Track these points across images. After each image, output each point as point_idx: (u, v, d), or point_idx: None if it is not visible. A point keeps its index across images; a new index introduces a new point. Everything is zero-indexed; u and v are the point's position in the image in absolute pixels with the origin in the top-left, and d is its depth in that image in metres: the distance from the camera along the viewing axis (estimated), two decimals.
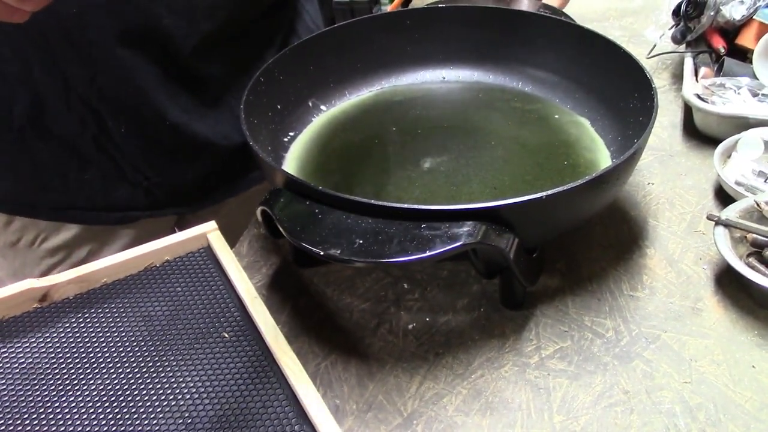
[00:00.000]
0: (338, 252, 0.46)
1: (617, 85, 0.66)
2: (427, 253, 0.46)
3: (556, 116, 0.70)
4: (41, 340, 0.54)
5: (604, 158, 0.64)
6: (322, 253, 0.46)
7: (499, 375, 0.51)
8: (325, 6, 2.19)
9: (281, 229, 0.49)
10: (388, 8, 1.07)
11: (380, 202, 0.48)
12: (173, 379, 0.50)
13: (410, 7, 0.99)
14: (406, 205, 0.48)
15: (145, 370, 0.51)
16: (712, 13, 0.79)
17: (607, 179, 0.52)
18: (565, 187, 0.49)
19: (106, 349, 0.53)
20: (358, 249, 0.46)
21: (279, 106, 0.67)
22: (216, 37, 0.72)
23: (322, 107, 0.72)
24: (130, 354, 0.53)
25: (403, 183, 0.62)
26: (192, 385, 0.50)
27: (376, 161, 0.65)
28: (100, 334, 0.55)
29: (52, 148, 0.75)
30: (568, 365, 0.51)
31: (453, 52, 0.76)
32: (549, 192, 0.48)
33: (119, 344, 0.54)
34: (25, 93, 0.72)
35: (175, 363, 0.52)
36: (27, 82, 0.71)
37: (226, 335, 0.53)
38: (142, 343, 0.54)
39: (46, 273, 0.85)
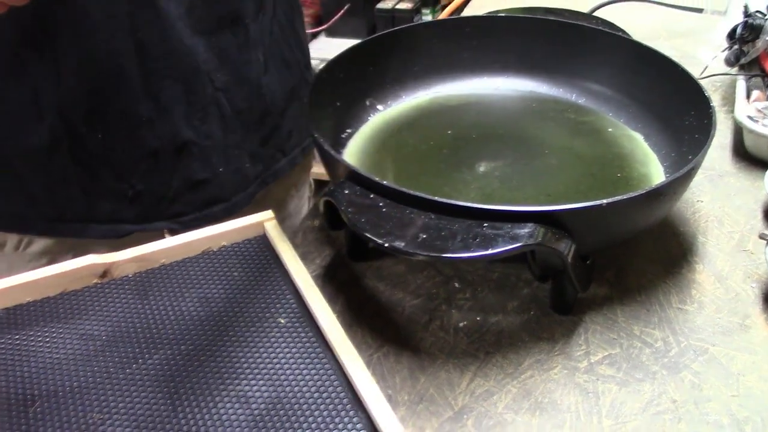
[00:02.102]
0: (402, 245, 0.47)
1: (673, 102, 0.67)
2: (489, 251, 0.47)
3: (610, 129, 0.70)
4: (101, 314, 0.56)
5: (657, 173, 0.64)
6: (386, 245, 0.48)
7: (549, 377, 0.52)
8: (367, 13, 2.21)
9: (346, 220, 0.50)
10: (440, 16, 1.08)
11: (444, 199, 0.49)
12: (229, 360, 0.52)
13: (464, 14, 1.01)
14: (469, 204, 0.49)
15: (201, 349, 0.53)
16: (767, 38, 0.79)
17: (664, 192, 0.53)
18: (624, 197, 0.50)
19: (162, 327, 0.55)
20: (422, 243, 0.47)
21: (338, 104, 0.69)
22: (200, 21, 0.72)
23: (379, 107, 0.73)
24: (186, 334, 0.54)
25: (459, 185, 0.63)
26: (247, 366, 0.51)
27: (432, 163, 0.66)
28: (158, 313, 0.56)
29: (34, 164, 0.75)
30: (616, 372, 0.52)
31: (509, 61, 0.77)
32: (609, 200, 0.49)
33: (176, 323, 0.55)
34: (10, 111, 0.72)
35: (230, 345, 0.53)
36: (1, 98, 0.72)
37: (282, 320, 0.55)
38: (198, 324, 0.55)
39: None
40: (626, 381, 0.51)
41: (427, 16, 2.22)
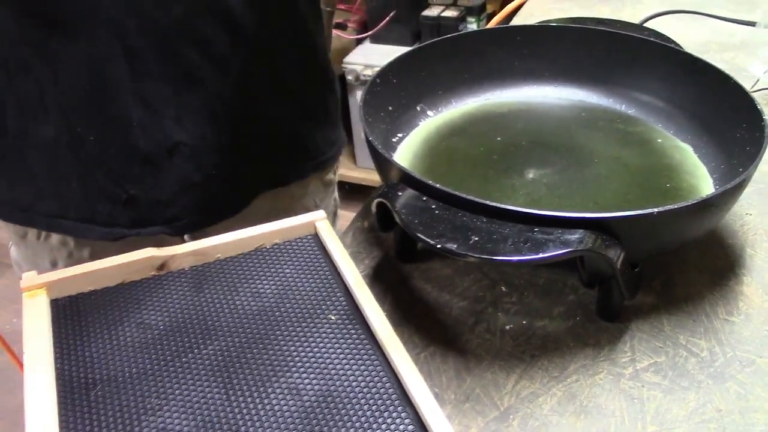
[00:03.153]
0: (454, 246, 0.49)
1: (724, 115, 0.67)
2: (540, 255, 0.48)
3: (659, 140, 0.71)
4: (158, 304, 0.58)
5: (706, 184, 0.65)
6: (438, 246, 0.49)
7: (594, 382, 0.52)
8: (412, 21, 2.23)
9: (399, 221, 0.52)
10: (488, 25, 1.09)
11: (496, 203, 0.50)
12: (281, 353, 0.53)
13: (513, 24, 1.01)
14: (521, 208, 0.50)
15: (254, 342, 0.54)
16: None
17: (715, 203, 0.54)
18: (675, 206, 0.50)
19: (217, 319, 0.57)
20: (474, 245, 0.49)
21: (390, 108, 0.70)
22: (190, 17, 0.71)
23: (429, 113, 0.74)
24: (240, 326, 0.56)
25: (507, 190, 0.64)
26: (299, 360, 0.53)
27: (481, 168, 0.67)
28: (212, 305, 0.58)
29: (43, 156, 0.77)
30: (662, 379, 0.52)
31: (559, 70, 0.77)
32: (660, 209, 0.50)
33: (230, 316, 0.57)
34: (14, 99, 0.74)
35: (282, 338, 0.55)
36: (12, 87, 0.73)
37: (332, 317, 0.56)
38: (251, 317, 0.57)
39: (54, 263, 0.88)
40: (671, 389, 0.52)
41: (472, 25, 2.23)
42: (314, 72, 0.87)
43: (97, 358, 0.53)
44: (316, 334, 0.55)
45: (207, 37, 0.73)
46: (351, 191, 2.37)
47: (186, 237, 0.87)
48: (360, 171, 2.39)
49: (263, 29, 0.77)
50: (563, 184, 0.65)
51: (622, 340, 0.56)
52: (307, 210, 0.93)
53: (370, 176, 2.38)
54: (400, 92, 0.71)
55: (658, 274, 0.61)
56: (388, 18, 2.20)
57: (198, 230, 0.83)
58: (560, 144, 0.71)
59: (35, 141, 0.75)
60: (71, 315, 0.57)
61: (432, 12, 2.21)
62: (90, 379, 0.52)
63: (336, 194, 1.03)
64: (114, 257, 0.60)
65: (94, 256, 0.85)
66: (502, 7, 2.38)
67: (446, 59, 0.75)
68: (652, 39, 0.75)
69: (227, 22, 0.73)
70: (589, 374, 0.53)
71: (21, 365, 1.05)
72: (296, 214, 0.92)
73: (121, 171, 0.77)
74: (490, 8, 2.30)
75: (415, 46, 0.73)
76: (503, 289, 0.61)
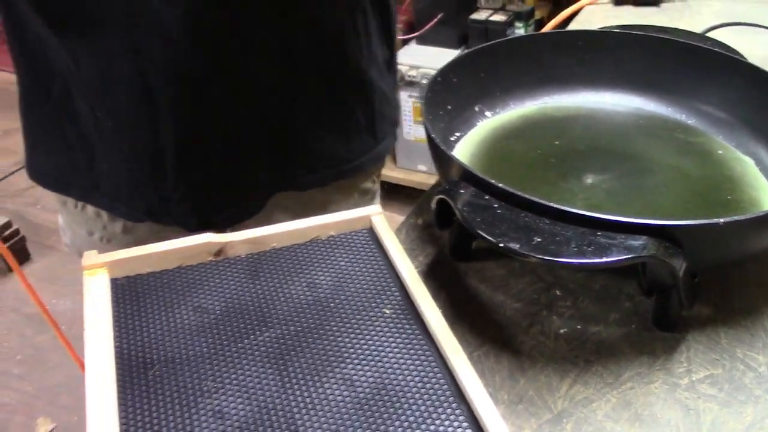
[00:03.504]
0: (517, 246, 0.49)
1: None
2: (604, 259, 0.47)
3: (720, 151, 0.70)
4: (215, 289, 0.59)
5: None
6: (501, 246, 0.49)
7: (649, 390, 0.52)
8: (460, 23, 2.22)
9: (461, 218, 0.52)
10: (545, 29, 1.09)
11: (560, 205, 0.50)
12: (336, 344, 0.54)
13: (569, 28, 1.01)
14: (585, 212, 0.50)
15: (309, 331, 0.55)
16: None
17: None
18: (742, 217, 0.50)
19: (273, 307, 0.57)
20: (536, 246, 0.48)
21: (449, 107, 0.70)
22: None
23: (487, 113, 0.74)
24: (294, 315, 0.56)
25: (566, 194, 0.63)
26: (353, 351, 0.53)
27: (539, 171, 0.67)
28: (268, 293, 0.58)
29: (79, 131, 0.79)
30: (718, 392, 0.52)
31: (619, 77, 0.77)
32: (727, 219, 0.49)
33: (285, 304, 0.57)
34: (60, 74, 0.76)
35: (337, 330, 0.55)
36: (57, 61, 0.75)
37: (387, 311, 0.56)
38: (306, 307, 0.57)
39: (90, 233, 0.90)
40: (728, 402, 0.51)
41: (519, 30, 2.23)
42: (340, 80, 0.84)
43: (155, 338, 0.54)
44: (371, 327, 0.55)
45: (212, 39, 0.72)
46: (389, 191, 2.37)
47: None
48: (399, 171, 2.39)
49: (277, 31, 0.76)
50: (622, 190, 0.64)
51: (679, 350, 0.55)
52: None
53: (409, 177, 2.38)
54: (459, 92, 0.71)
55: (717, 285, 0.60)
56: (435, 20, 2.20)
57: (210, 230, 0.83)
58: (619, 150, 0.70)
59: (70, 115, 0.78)
60: (130, 295, 0.58)
61: (480, 15, 2.21)
62: (148, 359, 0.53)
63: (377, 200, 1.02)
64: (172, 241, 0.61)
65: (126, 232, 0.87)
66: (551, 13, 2.38)
67: (506, 61, 0.75)
68: (716, 49, 0.75)
69: (235, 22, 0.73)
70: (644, 382, 0.53)
71: (68, 344, 1.07)
72: None
73: (134, 162, 0.78)
74: (538, 14, 2.29)
75: (477, 46, 0.73)
76: (558, 292, 0.60)
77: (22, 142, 0.86)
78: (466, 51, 0.71)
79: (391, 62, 0.92)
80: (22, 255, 2.25)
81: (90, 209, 0.86)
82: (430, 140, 0.59)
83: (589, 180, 0.65)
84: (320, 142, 0.83)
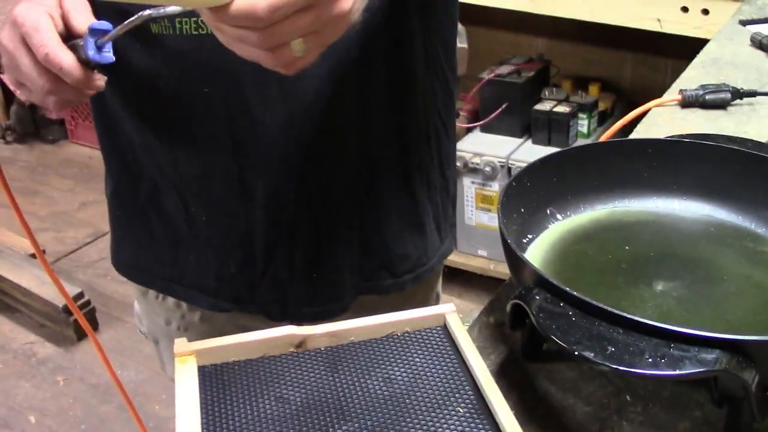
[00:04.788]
0: (591, 355, 0.50)
1: None
2: (677, 372, 0.49)
3: None
4: (296, 380, 0.62)
5: None
6: (576, 353, 0.51)
7: None
8: (524, 113, 2.27)
9: (537, 324, 0.54)
10: (608, 132, 1.12)
11: (635, 317, 0.52)
12: None
13: (639, 134, 1.04)
14: (659, 324, 0.51)
15: (385, 426, 0.57)
16: None
17: None
18: None
19: (351, 400, 0.60)
20: (610, 355, 0.50)
21: (522, 210, 0.73)
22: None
23: (558, 216, 0.77)
24: (372, 409, 0.59)
25: (636, 301, 0.65)
26: None
27: (609, 276, 0.69)
28: (346, 386, 0.61)
29: (165, 225, 0.83)
30: None
31: (687, 184, 0.79)
32: None
33: (363, 398, 0.60)
34: (148, 172, 0.81)
35: (413, 427, 0.57)
36: (148, 162, 0.80)
37: (461, 410, 0.58)
38: (383, 402, 0.60)
39: (168, 322, 0.94)
40: None
41: (583, 121, 2.26)
42: (417, 183, 0.88)
43: (240, 426, 0.57)
44: (445, 425, 0.57)
45: (307, 139, 0.78)
46: (448, 274, 2.39)
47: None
48: (459, 255, 2.41)
49: (362, 138, 0.81)
50: (692, 299, 0.66)
51: None
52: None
53: (469, 261, 2.39)
54: (532, 195, 0.74)
55: None
56: (500, 110, 2.26)
57: (294, 322, 0.87)
58: (689, 258, 0.72)
59: (159, 211, 0.83)
60: (216, 382, 0.61)
61: (544, 106, 2.25)
62: None
63: (438, 288, 1.05)
64: (257, 332, 0.65)
65: (203, 321, 0.91)
66: (614, 105, 2.41)
67: (577, 166, 0.78)
68: None
69: (330, 130, 0.78)
70: None
71: (136, 416, 1.10)
72: None
73: (227, 252, 0.83)
74: (602, 105, 2.33)
75: (550, 152, 0.76)
76: (628, 398, 0.61)
77: (103, 224, 0.92)
78: (539, 158, 0.74)
79: (451, 165, 0.96)
80: (91, 325, 2.33)
81: (170, 300, 0.90)
82: (505, 244, 0.62)
83: (659, 287, 0.67)
84: (398, 241, 0.87)
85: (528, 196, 0.74)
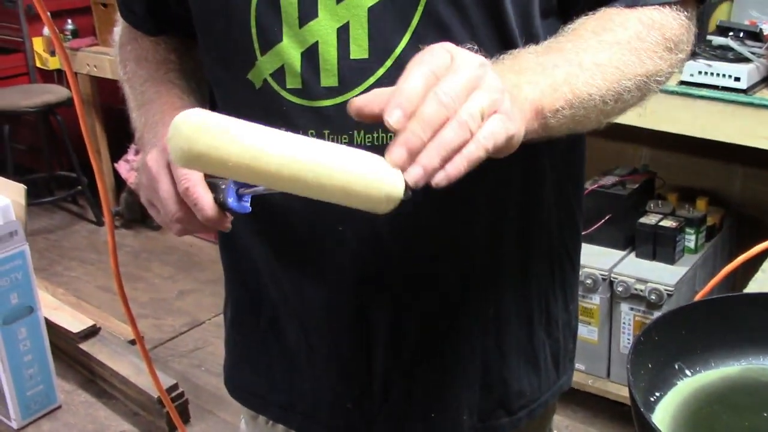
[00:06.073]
0: None
1: None
2: None
3: None
4: None
5: None
6: None
7: None
8: (628, 226, 2.22)
9: None
10: (719, 276, 1.07)
11: None
12: None
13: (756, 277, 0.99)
14: None
15: None
16: None
17: None
18: None
19: None
20: None
21: (650, 365, 0.70)
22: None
23: (687, 372, 0.73)
24: None
25: None
26: None
27: None
28: None
29: (284, 353, 0.82)
30: None
31: None
32: None
33: None
34: (271, 300, 0.81)
35: None
36: (272, 290, 0.80)
37: None
38: None
39: None
40: None
41: (690, 236, 2.19)
42: (535, 314, 0.86)
43: None
44: None
45: (434, 274, 0.77)
46: (600, 405, 2.23)
47: None
48: (612, 385, 2.23)
49: (488, 272, 0.80)
50: None
51: None
52: None
53: (621, 391, 2.17)
54: (660, 349, 0.71)
55: None
56: (603, 221, 2.22)
57: None
58: None
59: (278, 341, 0.83)
60: None
61: (649, 220, 2.20)
62: None
63: (551, 425, 1.00)
64: None
65: None
66: (722, 220, 2.32)
67: (707, 319, 0.74)
68: None
69: (456, 266, 0.78)
70: None
71: None
72: None
73: (342, 386, 0.82)
74: (710, 220, 2.25)
75: (677, 306, 0.73)
76: None
77: (199, 313, 0.93)
78: (668, 310, 0.71)
79: (575, 299, 0.93)
80: (183, 417, 2.34)
81: (280, 427, 0.90)
82: (634, 405, 0.59)
83: None
84: (515, 377, 0.85)
85: (656, 350, 0.70)
